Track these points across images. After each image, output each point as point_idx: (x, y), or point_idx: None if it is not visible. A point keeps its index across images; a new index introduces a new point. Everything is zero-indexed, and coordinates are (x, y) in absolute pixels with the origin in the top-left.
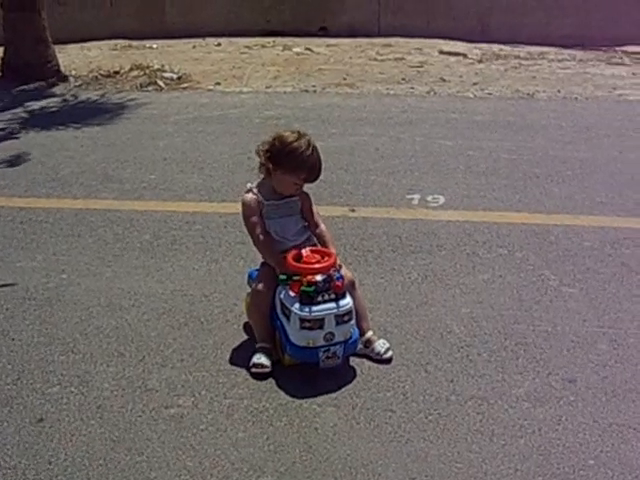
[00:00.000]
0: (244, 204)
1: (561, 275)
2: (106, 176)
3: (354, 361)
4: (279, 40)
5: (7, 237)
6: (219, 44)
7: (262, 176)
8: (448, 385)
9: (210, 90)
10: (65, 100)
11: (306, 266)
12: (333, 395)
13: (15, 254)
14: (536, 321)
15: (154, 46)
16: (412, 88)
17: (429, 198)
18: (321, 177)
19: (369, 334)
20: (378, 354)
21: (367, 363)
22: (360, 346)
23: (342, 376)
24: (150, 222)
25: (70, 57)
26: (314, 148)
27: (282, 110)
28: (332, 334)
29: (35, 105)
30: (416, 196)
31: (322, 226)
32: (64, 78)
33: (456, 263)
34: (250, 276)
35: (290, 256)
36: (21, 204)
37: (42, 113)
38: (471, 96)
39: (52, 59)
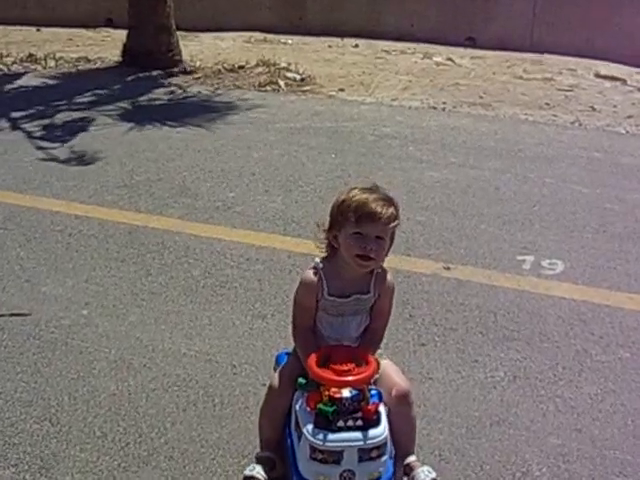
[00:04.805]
0: (301, 283)
1: None
2: (182, 188)
3: None
4: (421, 47)
5: (47, 251)
6: (356, 45)
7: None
8: None
9: (330, 96)
10: (175, 94)
11: (328, 376)
12: None
13: (45, 275)
14: None
15: (289, 42)
16: (555, 116)
17: (544, 263)
18: (421, 218)
19: (411, 458)
20: None
21: None
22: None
23: None
24: (207, 253)
25: (201, 47)
26: (384, 193)
27: (401, 128)
28: (352, 473)
29: (143, 97)
30: (529, 258)
31: (378, 331)
32: (184, 69)
33: (558, 364)
34: (278, 360)
35: (314, 356)
36: (79, 212)
37: (147, 106)
38: (623, 132)
39: (174, 48)
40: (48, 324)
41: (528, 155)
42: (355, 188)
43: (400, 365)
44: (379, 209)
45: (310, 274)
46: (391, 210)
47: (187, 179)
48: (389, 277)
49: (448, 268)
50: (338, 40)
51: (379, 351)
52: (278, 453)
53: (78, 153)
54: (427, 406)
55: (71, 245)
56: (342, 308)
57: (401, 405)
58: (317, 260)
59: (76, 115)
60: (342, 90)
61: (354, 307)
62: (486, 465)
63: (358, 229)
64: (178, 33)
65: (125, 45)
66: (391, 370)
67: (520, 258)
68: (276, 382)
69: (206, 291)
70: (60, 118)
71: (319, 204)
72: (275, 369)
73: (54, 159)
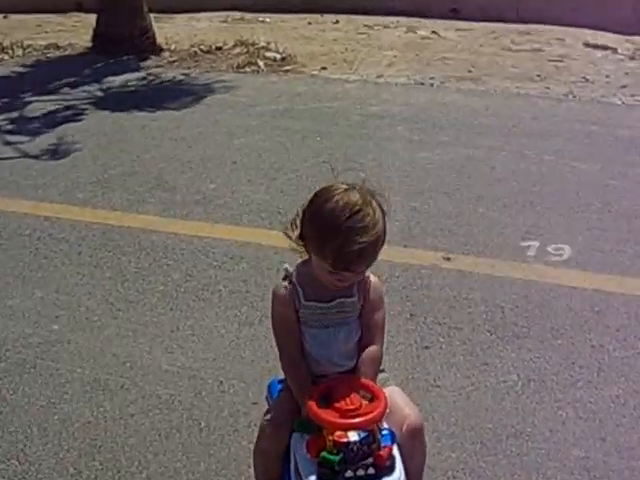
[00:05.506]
0: (274, 295)
1: None
2: (159, 181)
3: None
4: (404, 20)
5: (14, 259)
6: (337, 21)
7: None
8: None
9: (313, 76)
10: (150, 79)
11: (332, 419)
12: None
13: (12, 286)
14: None
15: (267, 20)
16: (547, 88)
17: (550, 248)
18: (415, 204)
19: None
20: None
21: None
22: None
23: None
24: (187, 253)
25: (176, 28)
26: (367, 215)
27: (388, 106)
28: None
29: (116, 83)
30: (533, 244)
31: (375, 347)
32: (159, 52)
33: (574, 362)
34: (270, 389)
35: (313, 396)
36: (48, 212)
37: (120, 93)
38: (618, 102)
39: (147, 31)
40: (15, 343)
41: (523, 131)
42: (334, 195)
43: (404, 372)
44: (361, 256)
45: (280, 284)
46: (376, 239)
47: (164, 171)
48: (372, 278)
49: (448, 259)
50: (317, 16)
51: (385, 374)
52: None
53: (48, 147)
54: (436, 419)
55: (40, 251)
56: (326, 317)
57: (414, 441)
58: (286, 266)
59: (45, 106)
60: (324, 68)
61: (339, 315)
62: None
63: (334, 271)
64: (151, 15)
65: (95, 30)
66: (399, 399)
67: (524, 244)
68: (269, 423)
69: (187, 296)
70: (28, 110)
71: (305, 192)
72: (267, 399)
73: (22, 155)
